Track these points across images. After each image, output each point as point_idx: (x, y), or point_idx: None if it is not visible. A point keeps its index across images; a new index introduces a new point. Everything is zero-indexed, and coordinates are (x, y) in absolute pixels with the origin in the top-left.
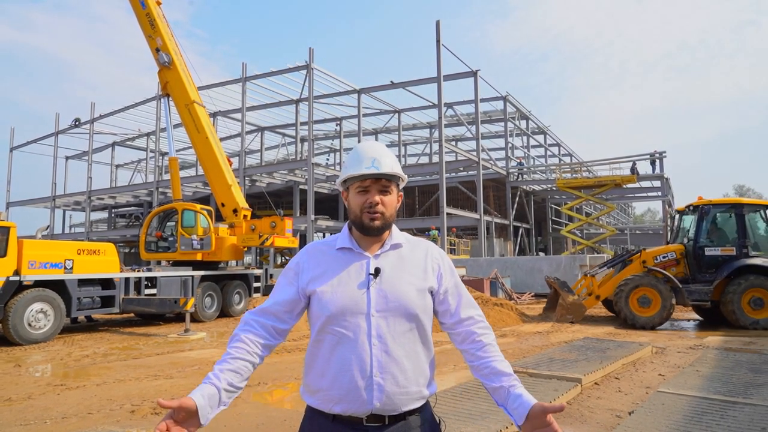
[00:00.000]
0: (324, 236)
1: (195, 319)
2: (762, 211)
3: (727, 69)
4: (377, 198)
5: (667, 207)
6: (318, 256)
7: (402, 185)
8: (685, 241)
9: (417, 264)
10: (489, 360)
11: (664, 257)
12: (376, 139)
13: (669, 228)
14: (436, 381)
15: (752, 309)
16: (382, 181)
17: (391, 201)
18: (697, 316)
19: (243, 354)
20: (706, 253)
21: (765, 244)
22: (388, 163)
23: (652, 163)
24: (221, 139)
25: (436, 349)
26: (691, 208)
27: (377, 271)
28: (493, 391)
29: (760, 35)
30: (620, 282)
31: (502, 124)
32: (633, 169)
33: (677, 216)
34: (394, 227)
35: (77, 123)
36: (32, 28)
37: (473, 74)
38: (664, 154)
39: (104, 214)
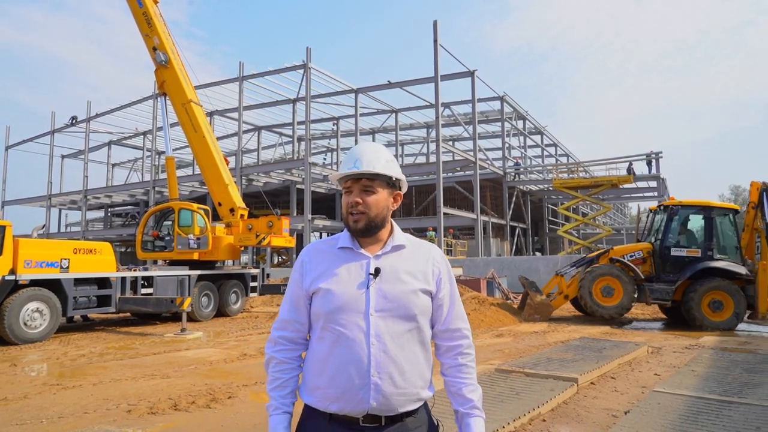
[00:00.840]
0: (321, 236)
1: (191, 318)
2: (731, 216)
3: (726, 69)
4: (358, 198)
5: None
6: (319, 255)
7: (403, 187)
8: (653, 240)
9: (418, 266)
10: (461, 383)
11: (631, 256)
12: (373, 139)
13: (644, 227)
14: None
15: (711, 311)
16: (362, 181)
17: (376, 201)
18: (663, 316)
19: (290, 372)
20: (672, 253)
21: (732, 248)
22: (373, 162)
23: (649, 164)
24: (218, 139)
25: (432, 349)
26: (662, 208)
27: (377, 271)
28: (454, 410)
29: (758, 35)
30: (585, 271)
31: (499, 124)
32: (629, 170)
33: (651, 215)
34: (397, 228)
35: (74, 121)
36: (30, 27)
37: (470, 74)
38: (660, 155)
39: (100, 213)
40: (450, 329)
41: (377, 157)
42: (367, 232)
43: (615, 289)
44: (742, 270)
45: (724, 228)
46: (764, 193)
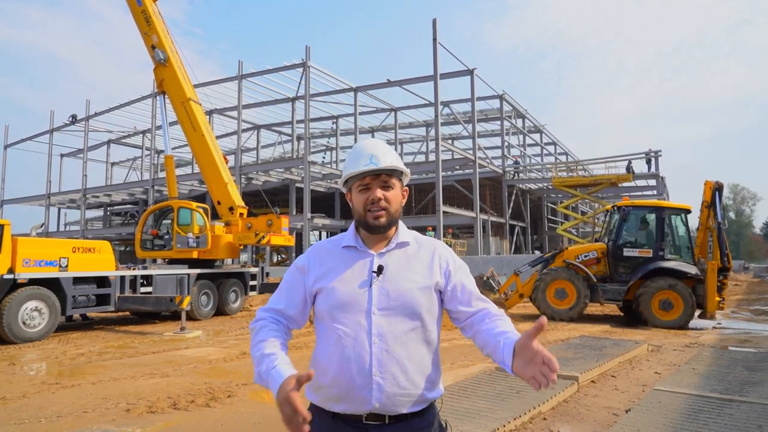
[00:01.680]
0: (320, 234)
1: (191, 317)
2: (683, 216)
3: (724, 68)
4: (379, 194)
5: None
6: (323, 255)
7: (406, 180)
8: (606, 240)
9: (423, 262)
10: (494, 327)
11: (585, 256)
12: (372, 137)
13: (603, 227)
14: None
15: (662, 311)
16: (382, 177)
17: (395, 196)
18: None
19: (277, 333)
20: (625, 253)
21: (685, 248)
22: (387, 157)
23: (648, 162)
24: (217, 137)
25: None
26: (616, 208)
27: (380, 269)
28: (493, 353)
29: (756, 35)
30: (539, 275)
31: (499, 122)
32: (628, 168)
33: (608, 215)
34: (401, 225)
35: (74, 120)
36: (28, 25)
37: (470, 73)
38: (659, 153)
39: (99, 212)
40: (475, 311)
41: (390, 152)
42: (387, 227)
43: (568, 291)
44: (692, 270)
45: (677, 228)
46: (716, 192)
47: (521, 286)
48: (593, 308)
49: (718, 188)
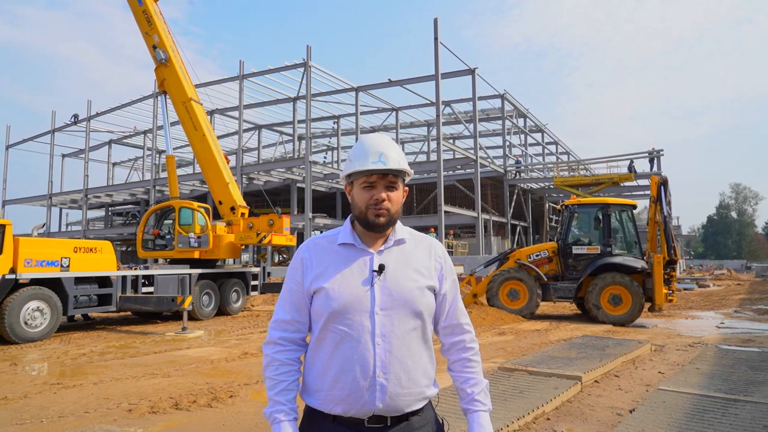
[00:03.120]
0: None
1: (192, 317)
2: (629, 211)
3: (725, 67)
4: (384, 194)
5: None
6: (320, 252)
7: (407, 179)
8: (556, 239)
9: (421, 261)
10: (464, 377)
11: (537, 255)
12: None
13: (557, 226)
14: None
15: (611, 306)
16: (389, 177)
17: (398, 197)
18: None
19: (293, 375)
20: (574, 251)
21: (633, 244)
22: (395, 157)
23: (651, 161)
24: (219, 137)
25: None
26: (565, 207)
27: (381, 268)
28: (462, 406)
29: (757, 33)
30: (491, 276)
31: (500, 122)
32: (630, 168)
33: (561, 214)
34: (397, 222)
35: (76, 119)
36: (29, 25)
37: (471, 72)
38: (661, 152)
39: (101, 213)
40: (452, 324)
41: (397, 151)
42: (386, 227)
43: (520, 291)
44: (639, 264)
45: (625, 224)
46: (662, 187)
47: (475, 286)
48: (560, 308)
49: (663, 183)
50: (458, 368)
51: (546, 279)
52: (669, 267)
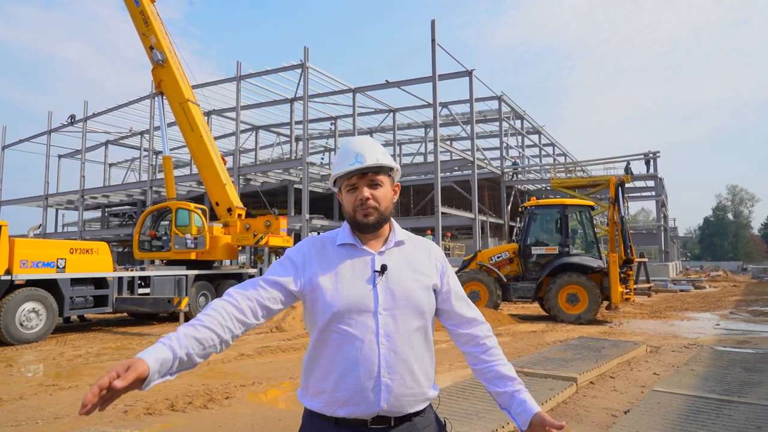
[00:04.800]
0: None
1: (189, 318)
2: (587, 212)
3: (722, 68)
4: (367, 193)
5: (661, 206)
6: (321, 250)
7: (397, 176)
8: (517, 240)
9: (421, 261)
10: (493, 364)
11: (498, 257)
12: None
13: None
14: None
15: (568, 305)
16: (369, 176)
17: (384, 194)
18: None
19: (214, 324)
20: (533, 252)
21: (590, 243)
22: (373, 155)
23: (647, 163)
24: (216, 138)
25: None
26: (524, 209)
27: (383, 268)
28: (497, 396)
29: (754, 34)
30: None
31: (497, 123)
32: (627, 169)
33: (522, 215)
34: (396, 224)
35: (73, 120)
36: (26, 26)
37: (468, 74)
38: (657, 154)
39: (97, 213)
40: (466, 319)
41: (376, 149)
42: (377, 226)
43: (481, 292)
44: (596, 263)
45: (585, 225)
46: (619, 188)
47: None
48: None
49: (620, 184)
50: (484, 358)
51: (506, 280)
52: (626, 266)
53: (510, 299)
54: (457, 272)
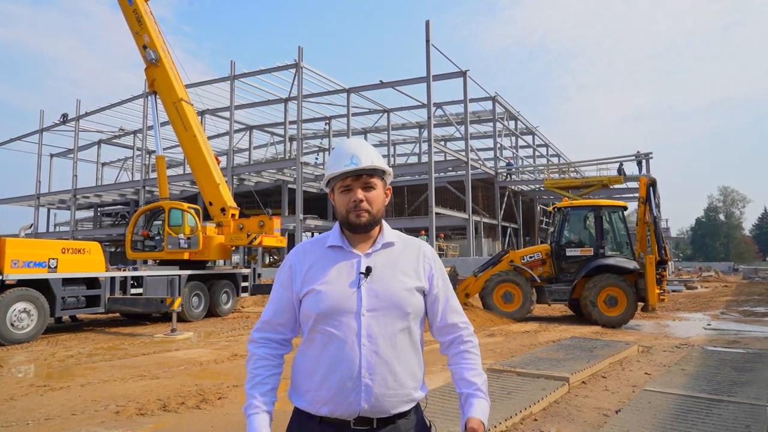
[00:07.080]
0: (313, 236)
1: (182, 318)
2: (620, 212)
3: (714, 70)
4: (361, 195)
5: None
6: (308, 256)
7: (389, 179)
8: (550, 241)
9: (409, 263)
10: (462, 368)
11: (530, 257)
12: (365, 139)
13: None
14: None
15: (607, 307)
16: (363, 178)
17: (377, 196)
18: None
19: (271, 370)
20: (567, 253)
21: (624, 244)
22: (368, 157)
23: (639, 164)
24: (209, 138)
25: (425, 348)
26: (557, 210)
27: (368, 270)
28: (459, 396)
29: (746, 37)
30: (488, 277)
31: (491, 124)
32: (620, 170)
33: (553, 216)
34: (386, 225)
35: (65, 119)
36: (15, 23)
37: (462, 74)
38: (650, 155)
39: (90, 213)
40: (448, 324)
41: (371, 152)
42: (369, 227)
43: (515, 294)
44: (632, 264)
45: (616, 225)
46: (651, 188)
47: (467, 285)
48: (549, 310)
49: (651, 184)
50: (457, 360)
51: (540, 281)
52: (660, 267)
53: (544, 301)
54: (481, 271)
